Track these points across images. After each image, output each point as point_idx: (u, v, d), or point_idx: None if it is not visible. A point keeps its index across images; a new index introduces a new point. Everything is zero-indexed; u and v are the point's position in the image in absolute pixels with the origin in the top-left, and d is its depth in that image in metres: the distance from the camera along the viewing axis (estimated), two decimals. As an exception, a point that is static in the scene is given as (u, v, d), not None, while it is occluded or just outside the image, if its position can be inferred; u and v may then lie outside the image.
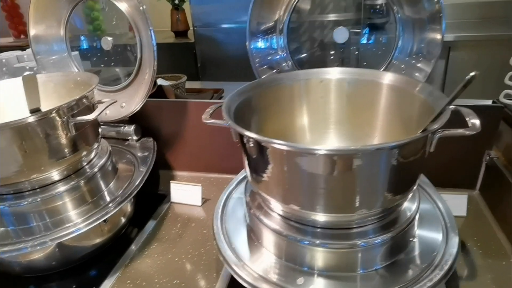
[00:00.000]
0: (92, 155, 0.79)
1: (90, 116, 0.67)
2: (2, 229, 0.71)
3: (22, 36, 2.87)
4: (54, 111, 0.65)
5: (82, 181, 0.74)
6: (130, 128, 0.95)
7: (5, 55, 1.51)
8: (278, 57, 0.84)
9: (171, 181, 0.93)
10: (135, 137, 0.97)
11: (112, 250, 0.79)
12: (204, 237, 0.81)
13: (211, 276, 0.70)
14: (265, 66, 0.84)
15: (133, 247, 0.80)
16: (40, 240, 0.66)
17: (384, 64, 0.79)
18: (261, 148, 0.51)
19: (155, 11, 2.77)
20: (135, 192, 0.78)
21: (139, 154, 0.92)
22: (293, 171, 0.50)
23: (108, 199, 0.76)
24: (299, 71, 0.67)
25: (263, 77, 0.80)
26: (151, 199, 0.94)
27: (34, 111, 0.62)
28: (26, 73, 0.57)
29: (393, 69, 0.79)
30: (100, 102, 0.76)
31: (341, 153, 0.46)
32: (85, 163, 0.77)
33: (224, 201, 0.71)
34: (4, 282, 0.75)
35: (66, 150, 0.70)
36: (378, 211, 0.54)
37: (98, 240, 0.76)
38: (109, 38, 0.96)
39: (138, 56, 0.92)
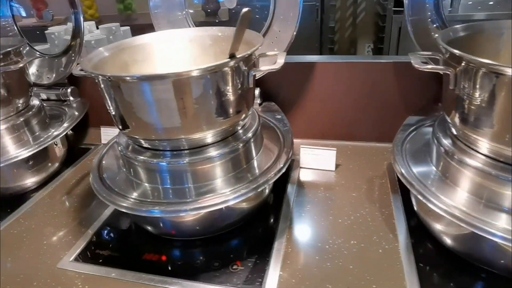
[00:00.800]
0: (247, 119, 0.73)
1: (275, 66, 0.63)
2: (148, 185, 0.68)
3: (44, 16, 2.75)
4: (243, 58, 0.60)
5: (240, 144, 0.68)
6: (256, 92, 0.91)
7: (55, 29, 1.43)
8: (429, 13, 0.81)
9: (301, 146, 0.89)
10: (258, 101, 0.93)
11: (256, 217, 0.75)
12: (357, 200, 0.78)
13: (388, 236, 0.68)
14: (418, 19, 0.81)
15: (285, 209, 0.77)
16: (193, 205, 0.61)
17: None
18: (495, 82, 0.49)
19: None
20: (290, 158, 0.72)
21: (271, 119, 0.87)
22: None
23: (260, 167, 0.70)
24: (501, 21, 0.64)
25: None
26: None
27: (232, 56, 0.57)
28: (245, 9, 0.52)
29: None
30: (262, 55, 0.71)
31: None
32: (239, 127, 0.71)
33: (401, 145, 0.68)
34: (149, 242, 0.72)
35: (231, 110, 0.65)
36: None
37: (247, 207, 0.73)
38: (234, -4, 0.91)
39: (270, 15, 0.88)
